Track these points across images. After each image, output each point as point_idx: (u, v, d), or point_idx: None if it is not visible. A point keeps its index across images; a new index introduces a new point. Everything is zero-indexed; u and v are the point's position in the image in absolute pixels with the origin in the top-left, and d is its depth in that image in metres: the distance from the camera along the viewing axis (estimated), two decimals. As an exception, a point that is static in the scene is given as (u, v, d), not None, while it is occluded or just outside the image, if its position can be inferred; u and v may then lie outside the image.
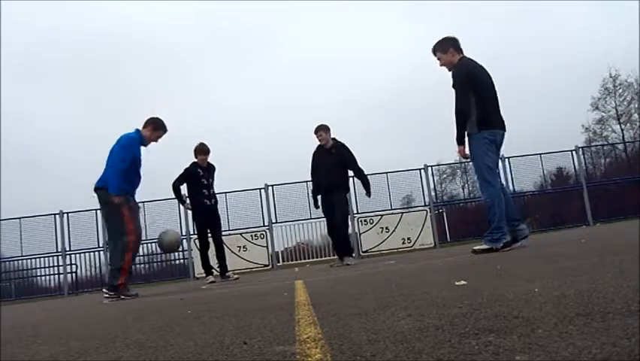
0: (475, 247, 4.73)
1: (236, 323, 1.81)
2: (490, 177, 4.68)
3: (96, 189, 5.21)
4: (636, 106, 29.91)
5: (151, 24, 64.54)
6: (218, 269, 7.68)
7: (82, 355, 1.53)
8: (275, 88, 62.31)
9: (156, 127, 5.31)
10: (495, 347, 0.97)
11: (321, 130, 7.17)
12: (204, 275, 7.95)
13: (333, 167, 7.10)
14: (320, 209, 7.39)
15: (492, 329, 1.13)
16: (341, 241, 7.38)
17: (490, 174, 4.69)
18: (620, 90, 29.97)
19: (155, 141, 5.38)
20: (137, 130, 5.29)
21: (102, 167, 5.35)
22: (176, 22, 62.30)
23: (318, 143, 7.28)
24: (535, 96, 45.46)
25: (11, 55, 53.87)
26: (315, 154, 7.35)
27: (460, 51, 4.88)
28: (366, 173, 7.40)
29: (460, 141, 4.68)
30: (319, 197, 7.35)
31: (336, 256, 7.57)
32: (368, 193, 7.35)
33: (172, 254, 13.94)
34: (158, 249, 5.87)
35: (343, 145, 7.26)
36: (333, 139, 7.25)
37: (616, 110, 30.11)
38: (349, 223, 7.63)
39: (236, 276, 7.77)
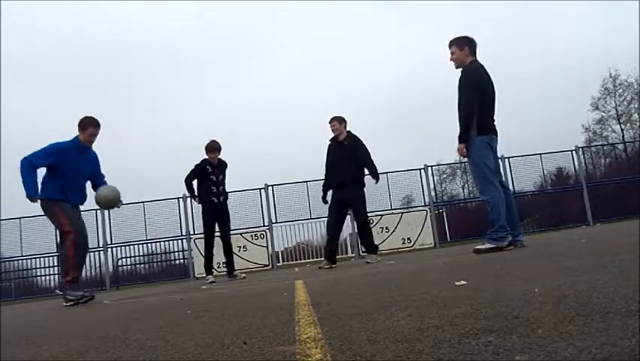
0: (478, 247, 4.73)
1: (236, 323, 1.81)
2: (491, 177, 4.81)
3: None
4: (636, 106, 29.92)
5: (151, 25, 64.56)
6: (218, 270, 7.65)
7: (82, 355, 1.53)
8: (275, 88, 62.33)
9: (84, 126, 5.14)
10: (495, 347, 0.96)
11: (335, 120, 7.00)
12: (204, 275, 7.88)
13: (347, 160, 6.84)
14: (327, 204, 7.11)
15: (492, 329, 1.13)
16: (366, 238, 7.19)
17: (491, 174, 4.81)
18: (620, 90, 29.99)
19: (91, 139, 5.19)
20: (76, 136, 5.15)
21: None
22: (176, 23, 62.34)
23: (332, 135, 7.05)
24: (535, 96, 45.50)
25: (11, 54, 53.92)
26: (329, 147, 7.11)
27: (474, 54, 4.97)
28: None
29: (463, 140, 4.78)
30: (330, 191, 7.09)
31: (323, 258, 7.31)
32: (376, 180, 7.10)
33: (172, 255, 13.96)
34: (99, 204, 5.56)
35: (357, 138, 7.03)
36: (348, 132, 7.04)
37: (616, 110, 30.14)
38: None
39: (243, 275, 7.73)
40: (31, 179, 4.93)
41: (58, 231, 5.28)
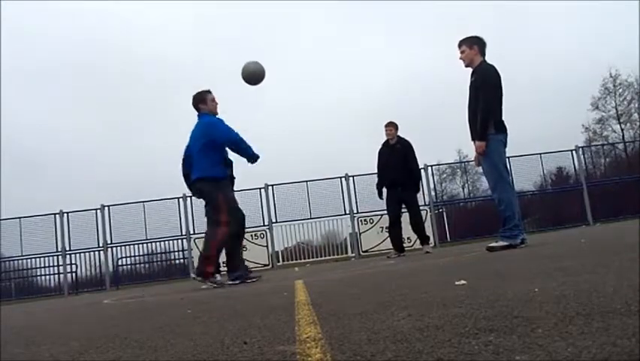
0: (492, 244, 4.74)
1: (236, 323, 1.81)
2: (506, 176, 4.94)
3: (197, 181, 5.21)
4: (636, 106, 29.93)
5: (148, 27, 64.55)
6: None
7: (82, 355, 1.53)
8: (275, 89, 62.29)
9: (202, 99, 5.25)
10: (495, 346, 0.96)
11: (391, 126, 7.68)
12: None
13: (398, 162, 7.53)
14: (384, 201, 7.83)
15: (492, 328, 1.13)
16: (420, 233, 7.86)
17: (506, 173, 4.94)
18: (620, 90, 30.00)
19: (216, 105, 5.32)
20: (204, 115, 5.24)
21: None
22: (175, 26, 62.34)
23: (385, 138, 7.75)
24: (535, 96, 45.47)
25: (10, 55, 53.90)
26: (381, 149, 7.82)
27: (484, 54, 5.00)
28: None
29: (484, 138, 4.77)
30: (385, 190, 7.75)
31: (393, 250, 7.95)
32: (416, 190, 7.86)
33: (171, 255, 13.96)
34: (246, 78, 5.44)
35: (408, 142, 7.72)
36: (399, 136, 7.71)
37: (616, 109, 30.14)
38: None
39: None
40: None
41: (211, 213, 5.33)
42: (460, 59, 5.01)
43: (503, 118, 4.91)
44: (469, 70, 4.98)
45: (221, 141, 5.15)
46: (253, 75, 5.16)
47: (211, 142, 5.10)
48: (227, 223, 5.05)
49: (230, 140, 5.14)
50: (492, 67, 4.90)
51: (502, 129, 4.84)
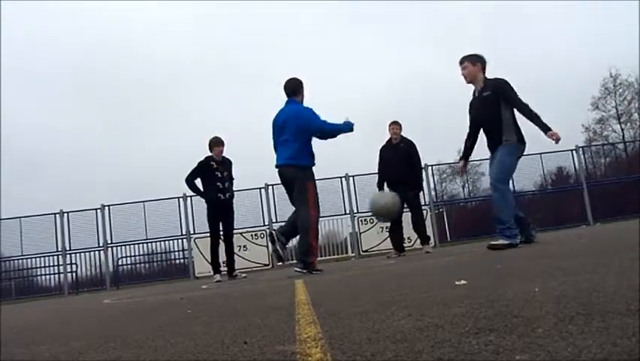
0: (494, 243, 4.75)
1: (236, 323, 1.81)
2: (508, 182, 5.17)
3: (282, 167, 5.28)
4: (636, 105, 29.93)
5: (151, 27, 64.53)
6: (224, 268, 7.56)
7: (82, 355, 1.53)
8: (275, 89, 62.17)
9: (301, 87, 5.46)
10: (495, 346, 0.96)
11: (396, 125, 7.75)
12: (211, 273, 7.71)
13: (401, 161, 7.55)
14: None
15: (492, 328, 1.13)
16: (421, 232, 7.90)
17: (509, 180, 5.20)
18: (621, 90, 30.02)
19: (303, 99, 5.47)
20: (294, 101, 5.36)
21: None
22: (175, 26, 62.32)
23: (389, 137, 7.77)
24: (535, 96, 45.36)
25: (10, 55, 53.90)
26: (383, 148, 7.83)
27: (485, 72, 5.01)
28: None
29: (547, 127, 4.67)
30: (387, 189, 7.80)
31: (393, 250, 8.05)
32: (419, 189, 7.97)
33: (171, 254, 13.97)
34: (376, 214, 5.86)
35: (411, 142, 7.76)
36: (402, 136, 7.76)
37: (616, 109, 30.15)
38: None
39: (244, 275, 7.65)
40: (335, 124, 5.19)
41: (297, 203, 5.24)
42: (463, 75, 5.00)
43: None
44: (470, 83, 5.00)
45: (314, 130, 5.19)
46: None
47: (303, 130, 5.16)
48: (315, 207, 5.10)
49: (318, 129, 5.18)
50: (501, 79, 4.93)
51: (523, 142, 4.93)
